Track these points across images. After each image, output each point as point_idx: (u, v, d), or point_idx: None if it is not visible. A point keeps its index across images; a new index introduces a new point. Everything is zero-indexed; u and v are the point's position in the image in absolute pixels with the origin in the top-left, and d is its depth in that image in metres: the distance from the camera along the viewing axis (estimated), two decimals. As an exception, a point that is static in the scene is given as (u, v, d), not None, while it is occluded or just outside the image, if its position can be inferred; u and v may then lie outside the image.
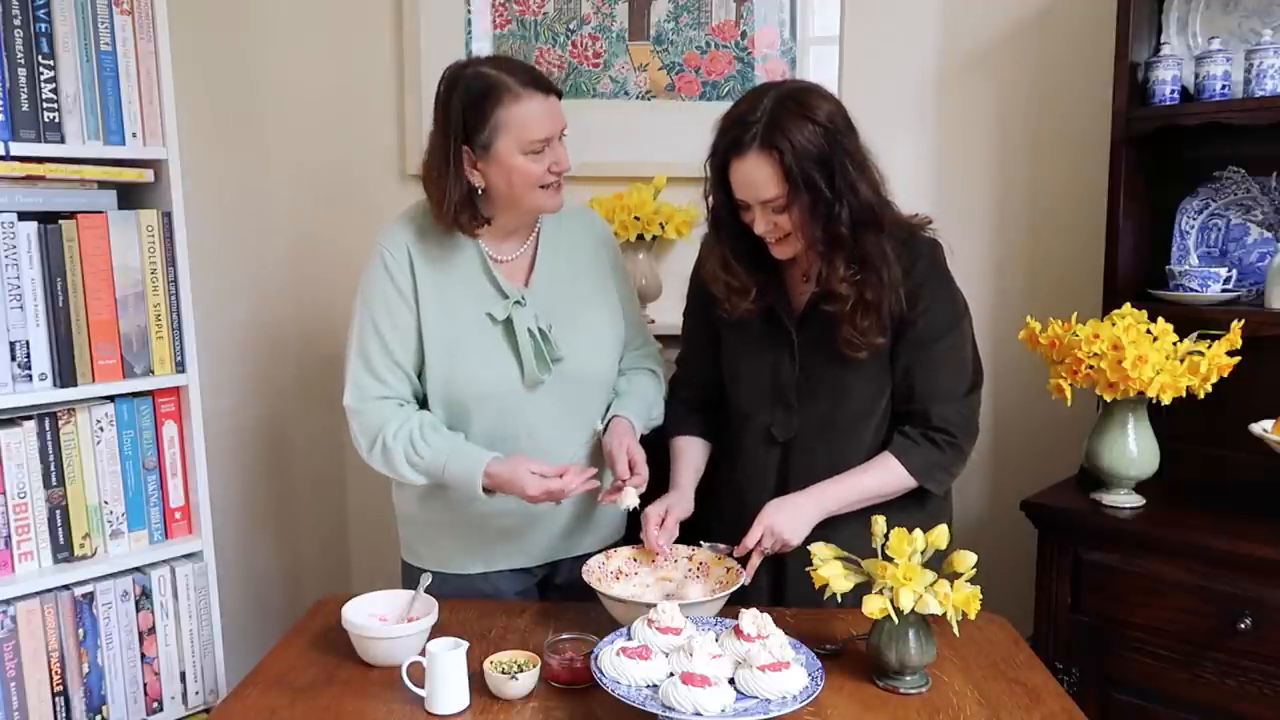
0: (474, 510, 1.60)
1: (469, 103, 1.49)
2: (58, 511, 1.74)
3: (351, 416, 1.58)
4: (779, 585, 1.63)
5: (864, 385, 1.57)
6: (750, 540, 1.48)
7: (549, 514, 1.64)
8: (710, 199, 1.55)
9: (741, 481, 1.65)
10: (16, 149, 1.65)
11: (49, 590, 1.72)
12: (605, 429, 1.65)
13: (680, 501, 1.60)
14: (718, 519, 1.65)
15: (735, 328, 1.63)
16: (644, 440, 1.65)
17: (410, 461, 1.54)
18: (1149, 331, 1.79)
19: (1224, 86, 1.91)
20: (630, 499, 1.55)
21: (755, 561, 1.50)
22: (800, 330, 1.58)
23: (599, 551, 1.60)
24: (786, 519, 1.49)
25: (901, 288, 1.50)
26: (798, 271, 1.60)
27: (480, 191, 1.54)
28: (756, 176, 1.43)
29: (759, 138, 1.42)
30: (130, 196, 1.83)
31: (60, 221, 1.70)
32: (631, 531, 1.69)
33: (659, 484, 1.64)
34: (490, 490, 1.52)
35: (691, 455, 1.69)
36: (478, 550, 1.65)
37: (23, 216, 1.67)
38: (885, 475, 1.55)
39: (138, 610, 1.83)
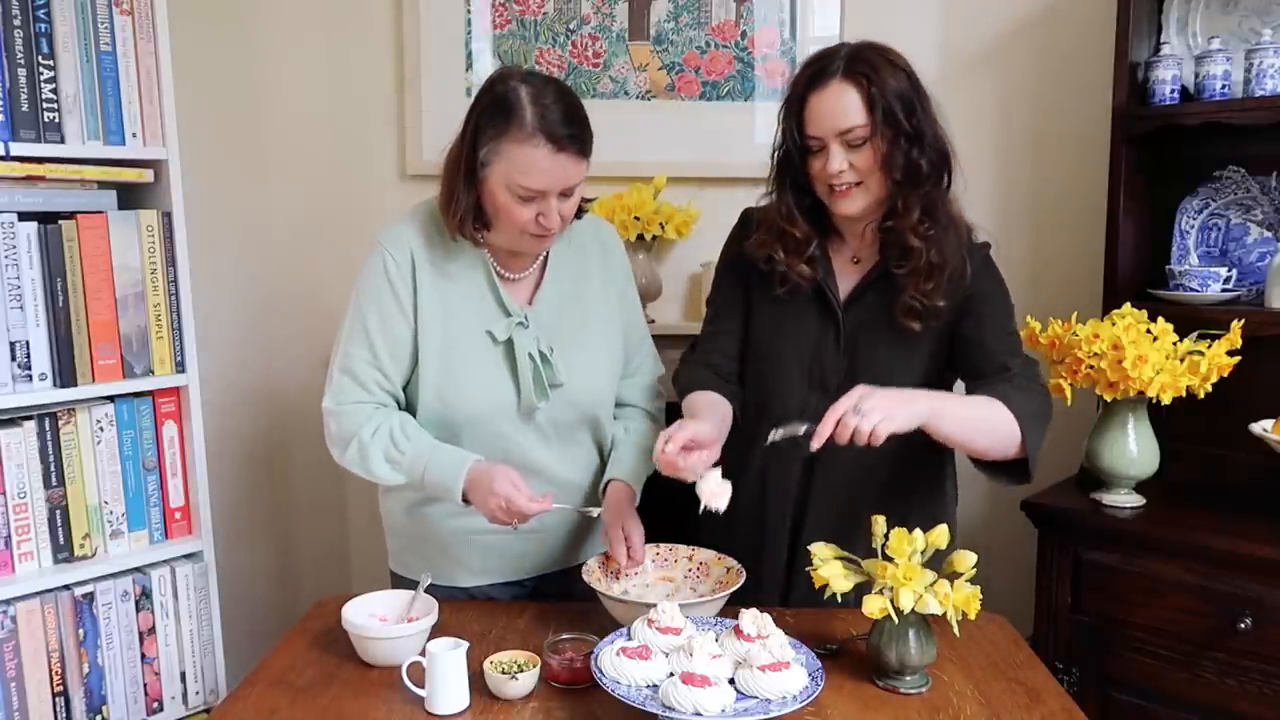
0: (460, 525, 1.57)
1: (484, 113, 1.43)
2: (58, 511, 1.74)
3: (329, 418, 1.53)
4: (788, 585, 1.60)
5: (907, 377, 1.49)
6: (839, 407, 1.32)
7: (539, 530, 1.59)
8: (779, 150, 1.52)
9: (757, 481, 1.57)
10: (16, 149, 1.65)
11: (49, 590, 1.72)
12: (603, 490, 1.58)
13: (709, 432, 1.41)
14: (727, 525, 1.50)
15: (775, 303, 1.57)
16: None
17: (389, 458, 1.48)
18: (1149, 331, 1.79)
19: (1224, 86, 1.92)
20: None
21: (827, 430, 1.31)
22: (846, 311, 1.54)
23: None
24: (883, 394, 1.32)
25: (966, 250, 1.49)
26: (847, 253, 1.58)
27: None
28: (842, 102, 1.42)
29: (843, 69, 1.42)
30: (130, 196, 1.83)
31: (60, 221, 1.70)
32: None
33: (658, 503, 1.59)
34: (467, 499, 1.46)
35: (716, 404, 1.55)
36: (466, 563, 1.62)
37: (23, 216, 1.67)
38: (990, 409, 1.42)
39: (138, 610, 1.83)
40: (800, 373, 1.56)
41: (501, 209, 1.44)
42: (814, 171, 1.48)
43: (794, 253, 1.52)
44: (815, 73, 1.45)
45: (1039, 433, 1.46)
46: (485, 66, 2.42)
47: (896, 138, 1.42)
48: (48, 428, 1.72)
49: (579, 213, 1.58)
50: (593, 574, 1.50)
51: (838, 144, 1.44)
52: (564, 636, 1.36)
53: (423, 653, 1.29)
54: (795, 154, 1.49)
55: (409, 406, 1.57)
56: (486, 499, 1.43)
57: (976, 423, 1.42)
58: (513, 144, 1.39)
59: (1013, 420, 1.42)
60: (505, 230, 1.47)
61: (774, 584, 1.60)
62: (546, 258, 1.60)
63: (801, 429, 1.35)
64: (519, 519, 1.44)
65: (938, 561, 1.32)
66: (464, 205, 1.45)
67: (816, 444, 1.31)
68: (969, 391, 1.51)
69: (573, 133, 1.41)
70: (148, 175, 1.81)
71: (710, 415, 1.51)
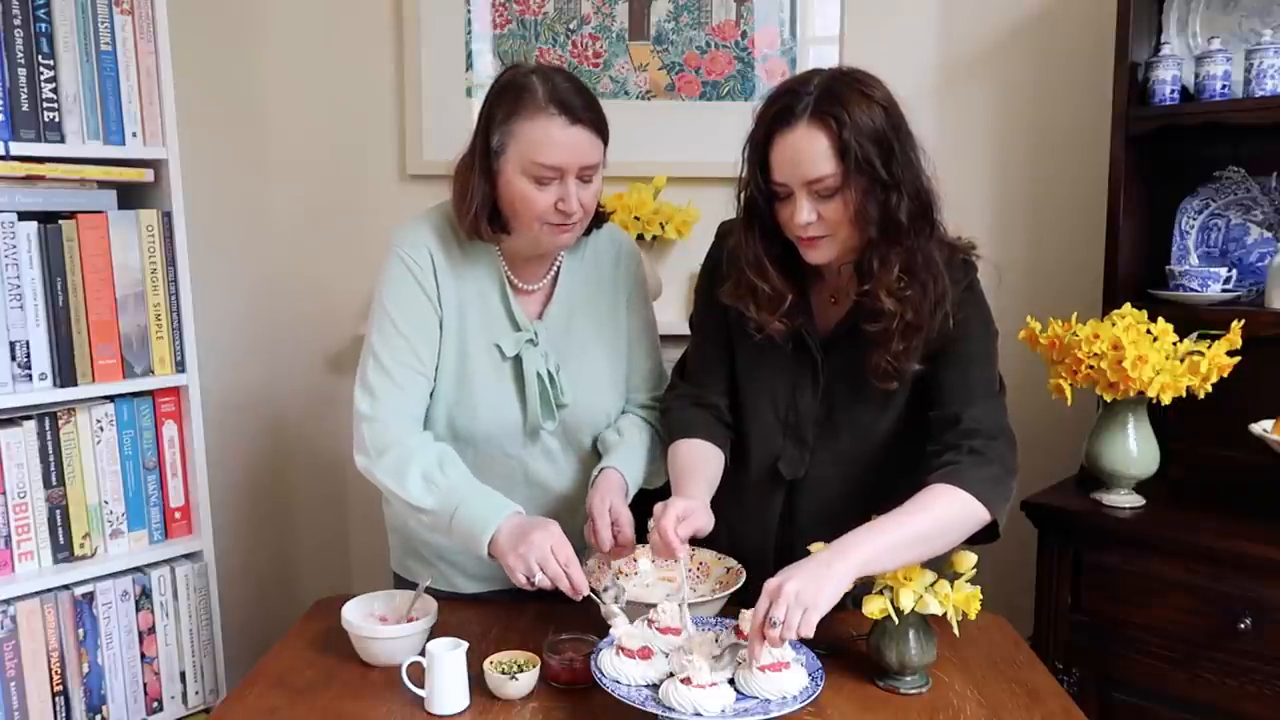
0: None
1: (494, 99, 1.40)
2: (58, 511, 1.74)
3: (364, 423, 1.44)
4: None
5: (885, 423, 1.44)
6: (758, 613, 1.18)
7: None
8: (745, 192, 1.37)
9: (739, 524, 1.52)
10: (16, 149, 1.65)
11: (49, 590, 1.72)
12: (593, 480, 1.49)
13: (699, 512, 1.35)
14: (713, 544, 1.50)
15: (753, 349, 1.47)
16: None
17: (429, 478, 1.40)
18: (1149, 331, 1.79)
19: (1224, 86, 1.92)
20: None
21: (757, 649, 1.18)
22: (825, 355, 1.44)
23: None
24: (797, 582, 1.17)
25: (950, 305, 1.34)
26: (825, 292, 1.46)
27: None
28: (808, 150, 1.27)
29: (811, 108, 1.26)
30: (130, 196, 1.83)
31: (60, 221, 1.70)
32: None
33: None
34: (491, 554, 1.36)
35: (704, 462, 1.46)
36: (467, 569, 1.60)
37: (23, 216, 1.67)
38: (936, 509, 1.28)
39: (138, 610, 1.83)
40: (775, 420, 1.49)
41: (519, 198, 1.39)
42: (781, 219, 1.35)
43: (767, 309, 1.39)
44: (780, 111, 1.29)
45: (1003, 497, 1.34)
46: (485, 66, 2.42)
47: (871, 187, 1.27)
48: (47, 427, 1.72)
49: (600, 221, 1.55)
50: (592, 574, 1.50)
51: (805, 193, 1.29)
52: (564, 636, 1.36)
53: (422, 653, 1.29)
54: (760, 199, 1.36)
55: None
56: (515, 554, 1.32)
57: (922, 543, 1.27)
58: (526, 120, 1.36)
59: (965, 503, 1.29)
60: (524, 225, 1.42)
61: None
62: (558, 271, 1.56)
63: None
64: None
65: (938, 562, 1.32)
66: (479, 198, 1.41)
67: (758, 665, 1.19)
68: (926, 453, 1.38)
69: (586, 103, 1.39)
70: (148, 175, 1.81)
71: (694, 480, 1.42)
